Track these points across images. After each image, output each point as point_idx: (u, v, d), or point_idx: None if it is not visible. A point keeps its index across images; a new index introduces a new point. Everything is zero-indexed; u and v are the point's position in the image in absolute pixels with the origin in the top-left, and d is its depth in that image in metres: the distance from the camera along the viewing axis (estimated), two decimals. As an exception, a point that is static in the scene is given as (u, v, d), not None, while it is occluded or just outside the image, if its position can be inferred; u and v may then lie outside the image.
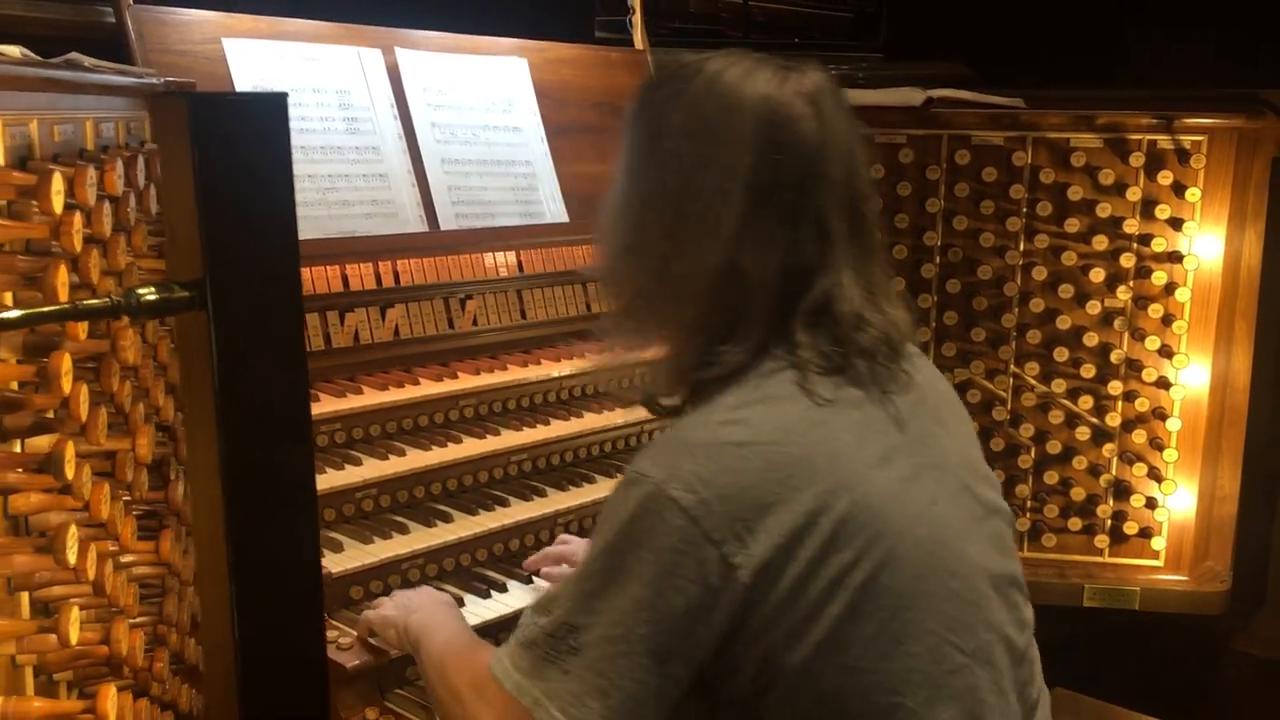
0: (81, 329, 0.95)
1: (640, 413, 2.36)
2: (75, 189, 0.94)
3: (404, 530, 1.94)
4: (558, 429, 2.27)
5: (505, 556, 2.05)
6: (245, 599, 0.82)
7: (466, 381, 2.24)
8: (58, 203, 0.90)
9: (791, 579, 1.22)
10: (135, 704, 1.06)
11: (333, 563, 1.82)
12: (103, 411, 0.99)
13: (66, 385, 0.93)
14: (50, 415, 0.99)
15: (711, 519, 1.21)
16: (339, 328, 2.18)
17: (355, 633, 1.74)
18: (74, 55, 1.26)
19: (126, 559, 1.11)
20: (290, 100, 2.04)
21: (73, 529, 0.95)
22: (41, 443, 0.99)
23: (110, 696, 0.98)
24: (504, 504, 2.09)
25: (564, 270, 2.56)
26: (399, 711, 1.69)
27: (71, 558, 0.95)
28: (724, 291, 1.31)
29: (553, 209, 2.41)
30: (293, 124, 2.03)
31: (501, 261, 2.42)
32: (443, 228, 2.24)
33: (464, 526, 1.99)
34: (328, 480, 1.94)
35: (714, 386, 1.30)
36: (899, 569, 1.26)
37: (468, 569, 1.97)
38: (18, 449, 0.97)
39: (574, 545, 2.00)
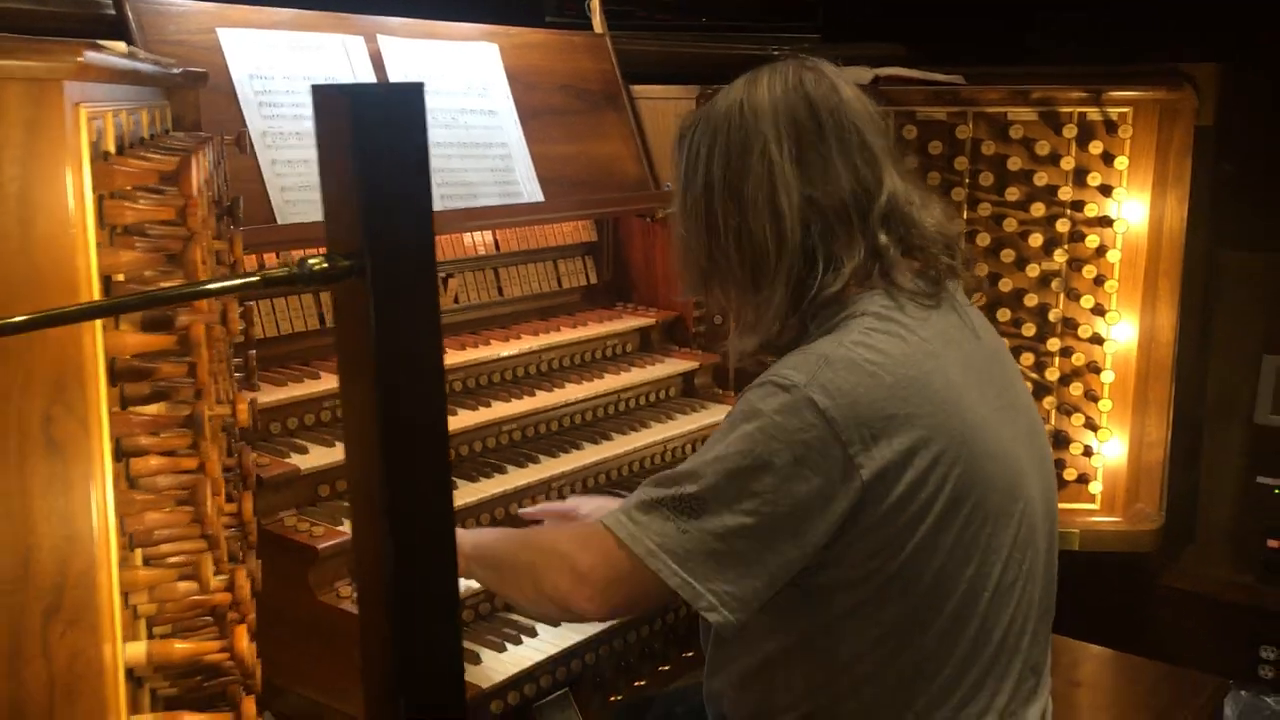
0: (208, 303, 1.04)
1: (619, 382, 2.51)
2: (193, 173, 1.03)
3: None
4: (543, 400, 2.38)
5: (506, 520, 2.15)
6: (399, 545, 0.92)
7: (455, 357, 2.34)
8: (193, 185, 0.99)
9: (904, 486, 1.39)
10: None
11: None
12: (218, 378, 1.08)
13: (205, 352, 1.02)
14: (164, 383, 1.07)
15: (843, 422, 1.38)
16: (330, 308, 2.25)
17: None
18: (110, 44, 1.33)
19: (225, 517, 1.20)
20: (284, 86, 2.11)
21: (208, 485, 1.04)
22: (154, 409, 1.07)
23: (244, 636, 1.08)
24: (501, 470, 2.19)
25: (538, 248, 2.67)
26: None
27: (208, 510, 1.04)
28: (805, 222, 1.49)
29: (529, 189, 2.50)
30: (287, 109, 2.11)
31: (480, 241, 2.51)
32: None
33: (468, 493, 2.09)
34: (335, 454, 2.02)
35: (826, 312, 1.50)
36: (987, 489, 1.45)
37: (476, 531, 2.07)
38: (148, 412, 1.05)
39: (572, 501, 2.11)
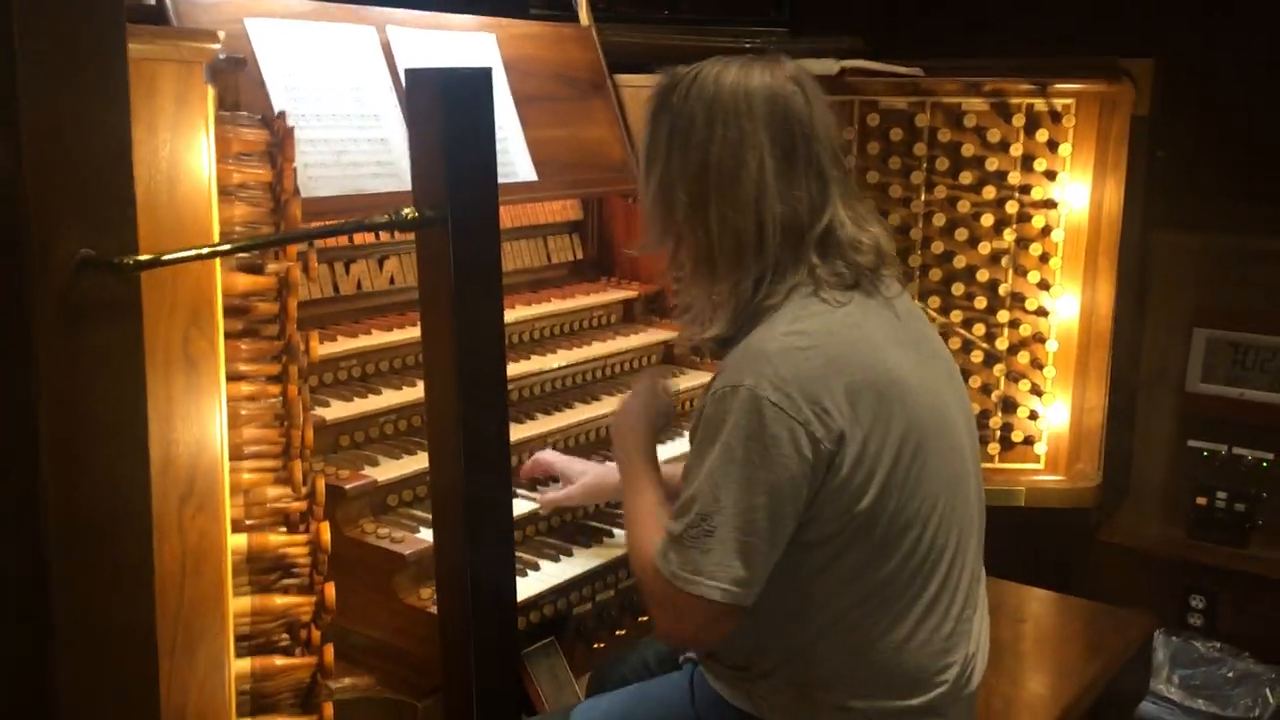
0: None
1: (605, 349, 2.73)
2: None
3: (425, 449, 2.23)
4: (537, 364, 2.58)
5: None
6: (471, 469, 1.13)
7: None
8: (291, 153, 1.20)
9: (858, 442, 1.60)
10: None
11: (377, 473, 2.11)
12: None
13: (297, 294, 1.22)
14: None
15: (795, 406, 1.57)
16: (344, 277, 2.45)
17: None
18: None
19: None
20: (306, 71, 2.30)
21: (300, 406, 1.25)
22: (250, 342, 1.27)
23: (325, 531, 1.28)
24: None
25: (529, 225, 2.87)
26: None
27: (300, 427, 1.25)
28: (768, 232, 1.65)
29: (524, 169, 2.70)
30: (308, 92, 2.30)
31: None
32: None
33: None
34: (353, 408, 2.22)
35: (763, 313, 1.66)
36: (923, 430, 1.66)
37: (481, 479, 2.28)
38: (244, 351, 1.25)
39: (549, 455, 2.32)
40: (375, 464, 2.15)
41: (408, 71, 1.06)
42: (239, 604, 1.22)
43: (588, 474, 2.23)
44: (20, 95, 0.86)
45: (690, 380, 2.79)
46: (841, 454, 1.60)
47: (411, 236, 2.56)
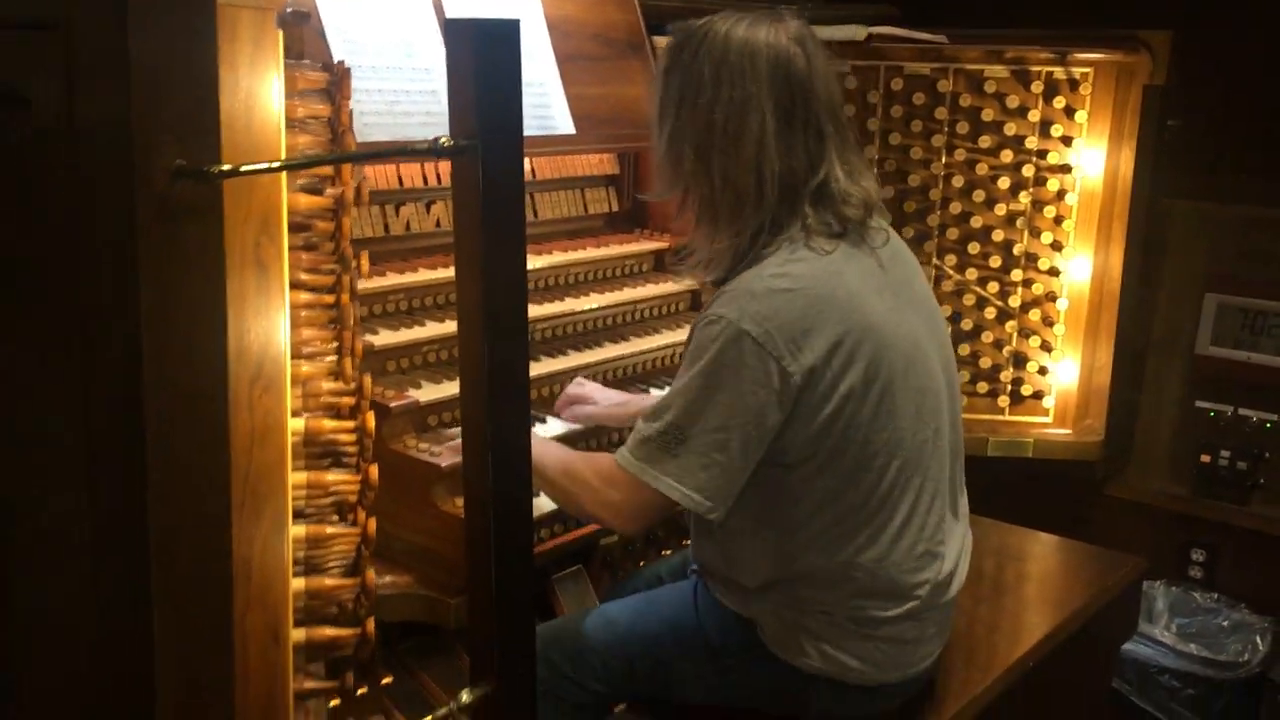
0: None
1: (635, 294, 2.91)
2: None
3: (464, 375, 2.44)
4: (571, 305, 2.77)
5: (539, 401, 2.55)
6: (495, 400, 1.32)
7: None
8: (348, 91, 1.39)
9: (828, 379, 1.77)
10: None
11: (421, 394, 2.32)
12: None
13: (351, 214, 1.42)
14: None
15: (772, 342, 1.74)
16: (395, 218, 2.65)
17: (442, 448, 2.24)
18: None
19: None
20: (362, 26, 2.49)
21: (353, 310, 1.45)
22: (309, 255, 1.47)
23: (371, 419, 1.49)
24: (537, 360, 2.59)
25: (568, 176, 3.05)
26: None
27: (350, 328, 1.45)
28: (767, 188, 1.82)
29: (564, 123, 2.88)
30: (365, 46, 2.50)
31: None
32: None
33: None
34: (400, 337, 2.42)
35: (758, 258, 1.83)
36: (890, 372, 1.82)
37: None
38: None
39: (588, 387, 2.51)
40: (418, 387, 2.36)
41: (446, 21, 1.24)
42: (296, 478, 1.43)
43: (612, 395, 2.43)
44: (130, 34, 1.06)
45: (715, 327, 2.97)
46: (810, 388, 1.77)
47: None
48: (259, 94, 1.26)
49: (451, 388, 2.38)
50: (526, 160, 2.91)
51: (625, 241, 3.09)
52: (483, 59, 1.25)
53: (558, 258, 2.85)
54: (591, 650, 2.02)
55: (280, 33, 1.29)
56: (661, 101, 1.92)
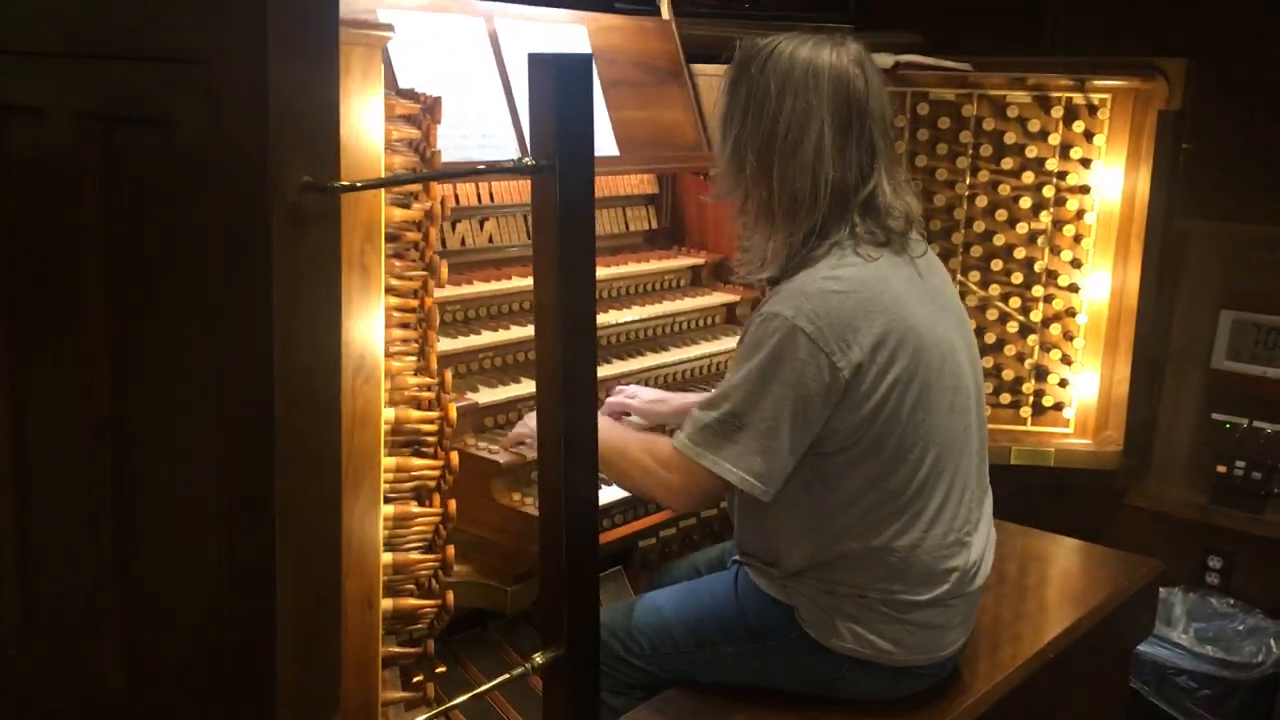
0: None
1: (674, 307, 3.07)
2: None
3: (518, 380, 2.61)
4: (614, 316, 2.94)
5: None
6: (567, 392, 1.48)
7: (520, 281, 2.86)
8: (440, 116, 1.57)
9: (873, 375, 1.93)
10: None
11: (479, 397, 2.49)
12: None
13: (439, 226, 1.59)
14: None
15: (824, 338, 1.91)
16: (450, 234, 2.82)
17: (500, 445, 2.40)
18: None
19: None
20: (427, 55, 2.67)
21: (436, 312, 1.62)
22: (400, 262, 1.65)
23: (452, 408, 1.66)
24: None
25: (610, 195, 3.22)
26: (535, 495, 2.36)
27: (433, 329, 1.62)
28: (821, 196, 1.98)
29: (606, 145, 3.05)
30: (431, 73, 2.68)
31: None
32: (532, 157, 2.89)
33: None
34: (457, 344, 2.59)
35: (808, 261, 1.99)
36: (928, 370, 1.98)
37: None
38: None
39: (629, 389, 2.67)
40: (476, 390, 2.53)
41: (530, 55, 1.41)
42: (385, 462, 1.60)
43: (652, 394, 2.60)
44: (270, 68, 1.23)
45: (750, 339, 3.13)
46: (857, 382, 1.93)
47: (506, 202, 2.94)
48: (365, 119, 1.43)
49: (506, 391, 2.55)
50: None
51: (664, 257, 3.26)
52: (560, 88, 1.43)
53: (601, 272, 3.01)
54: (640, 633, 2.17)
55: (381, 65, 1.47)
56: (727, 111, 2.09)
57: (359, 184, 1.30)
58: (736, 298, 3.25)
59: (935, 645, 2.12)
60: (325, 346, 1.33)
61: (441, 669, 2.36)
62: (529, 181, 2.84)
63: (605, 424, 2.26)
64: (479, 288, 2.74)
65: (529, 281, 2.76)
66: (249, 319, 1.29)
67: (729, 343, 3.09)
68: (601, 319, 2.88)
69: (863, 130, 2.01)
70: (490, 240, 2.89)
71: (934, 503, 2.04)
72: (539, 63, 1.43)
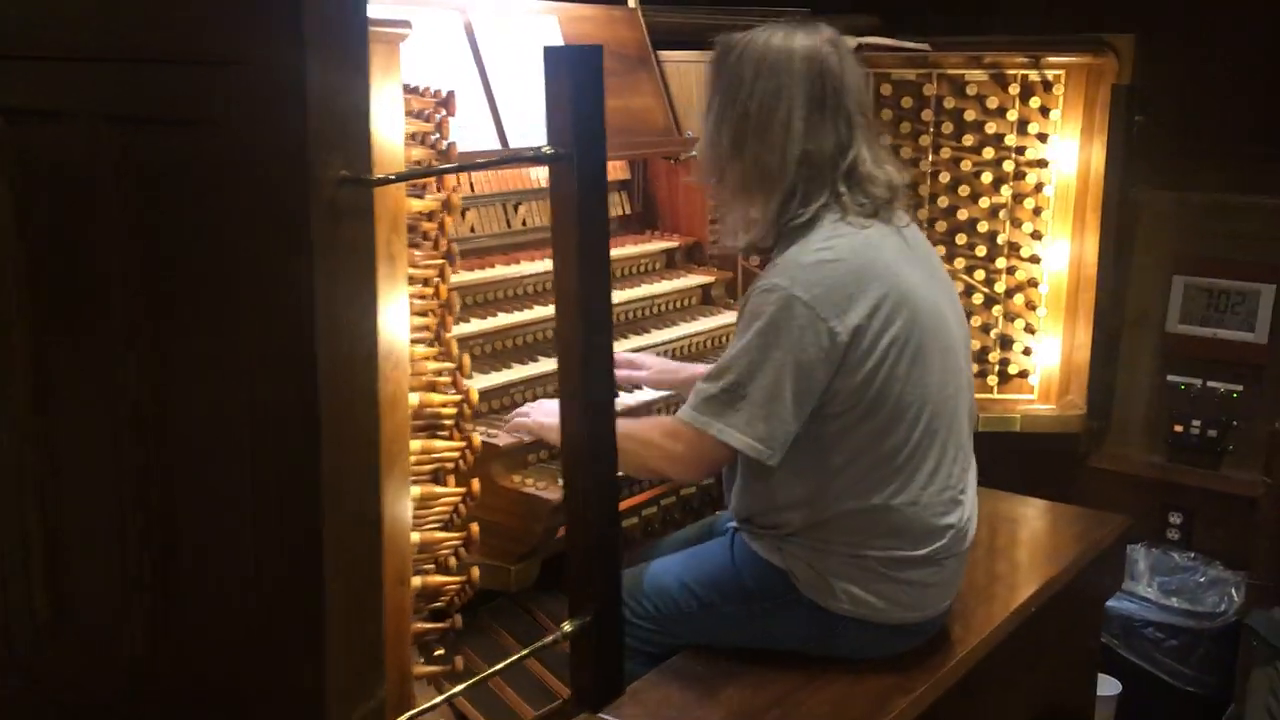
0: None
1: (652, 290, 3.15)
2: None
3: (509, 365, 2.66)
4: (614, 297, 3.00)
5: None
6: (587, 365, 1.55)
7: (526, 268, 2.91)
8: (455, 109, 1.63)
9: (870, 337, 2.02)
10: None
11: (473, 383, 2.52)
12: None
13: (454, 215, 1.65)
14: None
15: (821, 306, 2.00)
16: (460, 222, 2.83)
17: (501, 429, 2.46)
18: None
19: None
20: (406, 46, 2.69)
21: (456, 299, 1.68)
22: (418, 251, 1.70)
23: (474, 392, 1.72)
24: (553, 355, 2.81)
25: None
26: (535, 476, 2.43)
27: (452, 315, 1.68)
28: (799, 169, 2.07)
29: (582, 133, 3.11)
30: (407, 65, 2.71)
31: (542, 175, 3.12)
32: (511, 145, 2.93)
33: (548, 364, 2.69)
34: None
35: (798, 231, 2.08)
36: (922, 332, 2.08)
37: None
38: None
39: (638, 357, 2.73)
40: (470, 378, 2.56)
41: (546, 48, 1.47)
42: (411, 444, 1.66)
43: (662, 363, 2.67)
44: (308, 69, 1.29)
45: (723, 318, 3.20)
46: (855, 345, 2.03)
47: (485, 192, 2.99)
48: (387, 115, 1.49)
49: (500, 377, 2.60)
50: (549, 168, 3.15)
51: (639, 241, 3.32)
52: (575, 80, 1.49)
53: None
54: (645, 596, 2.25)
55: (400, 62, 1.52)
56: (708, 99, 2.20)
57: (393, 176, 1.36)
58: (711, 279, 3.32)
59: (928, 603, 2.22)
60: (362, 334, 1.39)
61: (439, 651, 2.42)
62: (504, 173, 2.97)
63: None
64: (465, 276, 2.78)
65: (513, 269, 2.86)
66: (292, 309, 1.34)
67: (707, 323, 3.17)
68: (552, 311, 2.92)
69: (839, 104, 2.11)
70: (472, 230, 2.93)
71: (930, 461, 2.14)
72: (554, 55, 1.49)
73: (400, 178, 1.40)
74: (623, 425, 2.20)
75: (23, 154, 1.63)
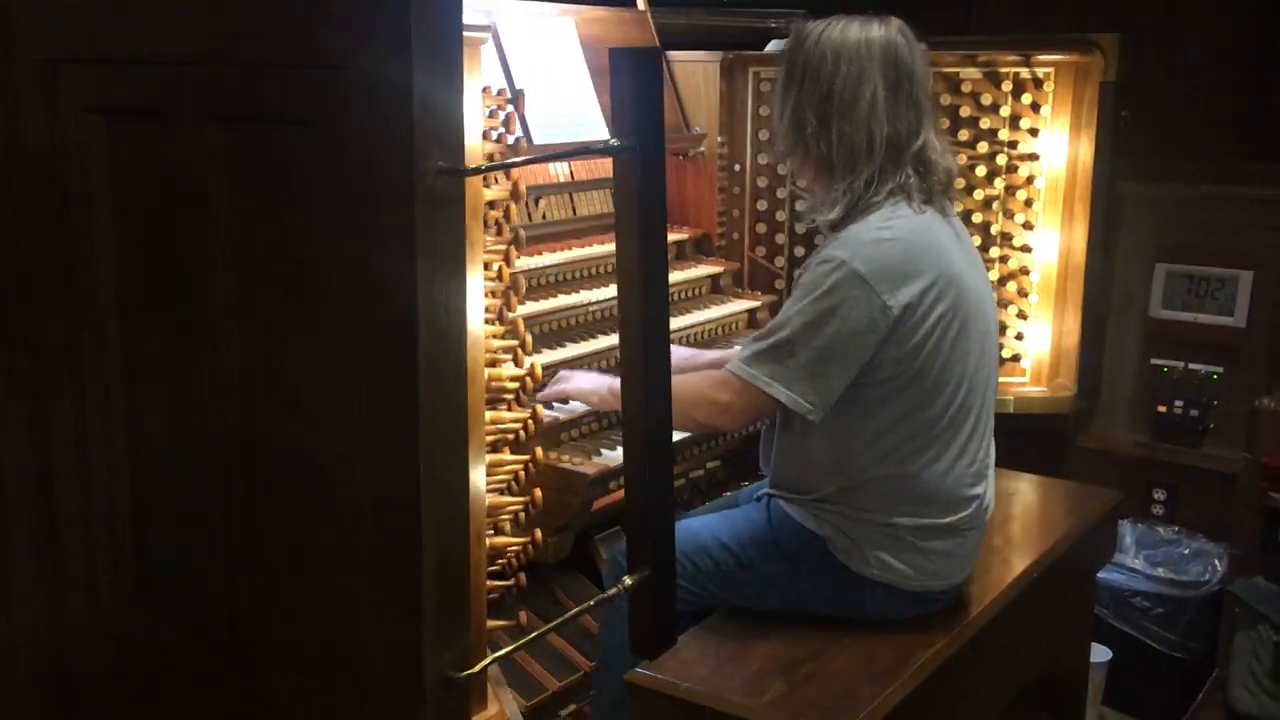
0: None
1: (687, 274, 3.28)
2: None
3: (538, 351, 2.80)
4: (610, 291, 3.12)
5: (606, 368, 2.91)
6: (647, 341, 1.70)
7: (548, 259, 3.04)
8: (525, 106, 1.77)
9: (920, 312, 2.18)
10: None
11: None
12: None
13: (521, 203, 1.79)
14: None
15: (876, 279, 2.15)
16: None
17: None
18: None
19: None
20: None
21: (522, 280, 1.82)
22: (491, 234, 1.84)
23: (538, 367, 1.86)
24: (593, 337, 2.94)
25: (602, 177, 3.41)
26: (570, 453, 2.57)
27: (519, 295, 1.83)
28: (879, 150, 2.23)
29: (598, 129, 3.25)
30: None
31: (560, 171, 3.26)
32: (536, 142, 3.06)
33: (575, 350, 2.82)
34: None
35: (865, 209, 2.25)
36: (965, 313, 2.24)
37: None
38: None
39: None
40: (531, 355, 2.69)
41: (612, 50, 1.60)
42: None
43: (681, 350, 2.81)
44: (414, 75, 1.43)
45: (732, 307, 3.37)
46: (906, 319, 2.18)
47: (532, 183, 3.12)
48: (468, 111, 1.63)
49: (540, 358, 2.73)
50: (566, 164, 3.29)
51: (651, 234, 3.46)
52: (638, 79, 1.64)
53: (594, 249, 3.20)
54: (685, 555, 2.39)
55: (480, 62, 1.66)
56: (786, 80, 2.35)
57: (484, 167, 1.50)
58: (720, 269, 3.48)
59: (951, 572, 2.38)
60: (455, 310, 1.53)
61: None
62: (525, 170, 3.11)
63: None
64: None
65: (534, 261, 2.99)
66: (396, 289, 1.48)
67: (716, 311, 3.33)
68: (602, 294, 3.06)
69: (912, 90, 2.28)
70: (544, 217, 3.08)
71: (963, 435, 2.30)
72: (620, 56, 1.63)
73: (488, 168, 1.54)
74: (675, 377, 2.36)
75: (121, 151, 1.76)
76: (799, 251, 3.56)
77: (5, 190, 1.91)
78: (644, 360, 1.72)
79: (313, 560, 1.71)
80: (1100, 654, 3.55)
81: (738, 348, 2.57)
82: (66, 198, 1.88)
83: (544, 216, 3.19)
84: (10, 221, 1.92)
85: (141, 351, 1.86)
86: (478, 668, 1.55)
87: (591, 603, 1.72)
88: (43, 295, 1.98)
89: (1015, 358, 3.75)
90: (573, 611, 1.76)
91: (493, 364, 1.89)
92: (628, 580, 1.77)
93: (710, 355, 2.77)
